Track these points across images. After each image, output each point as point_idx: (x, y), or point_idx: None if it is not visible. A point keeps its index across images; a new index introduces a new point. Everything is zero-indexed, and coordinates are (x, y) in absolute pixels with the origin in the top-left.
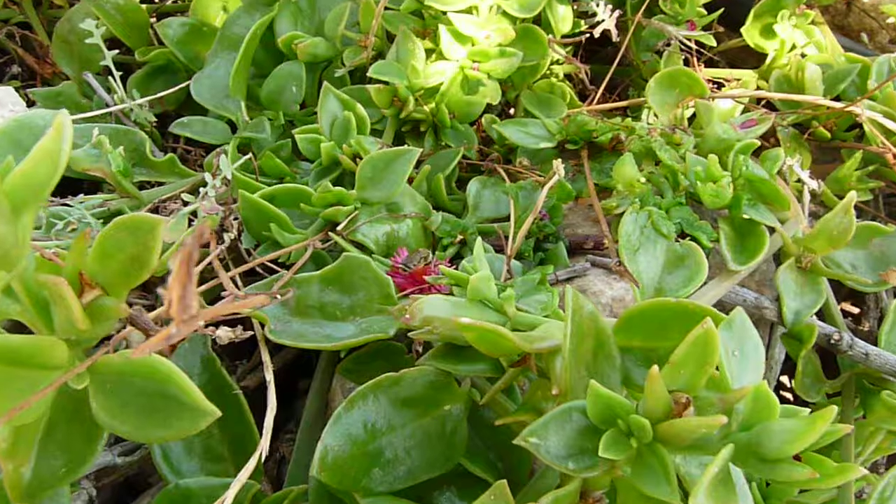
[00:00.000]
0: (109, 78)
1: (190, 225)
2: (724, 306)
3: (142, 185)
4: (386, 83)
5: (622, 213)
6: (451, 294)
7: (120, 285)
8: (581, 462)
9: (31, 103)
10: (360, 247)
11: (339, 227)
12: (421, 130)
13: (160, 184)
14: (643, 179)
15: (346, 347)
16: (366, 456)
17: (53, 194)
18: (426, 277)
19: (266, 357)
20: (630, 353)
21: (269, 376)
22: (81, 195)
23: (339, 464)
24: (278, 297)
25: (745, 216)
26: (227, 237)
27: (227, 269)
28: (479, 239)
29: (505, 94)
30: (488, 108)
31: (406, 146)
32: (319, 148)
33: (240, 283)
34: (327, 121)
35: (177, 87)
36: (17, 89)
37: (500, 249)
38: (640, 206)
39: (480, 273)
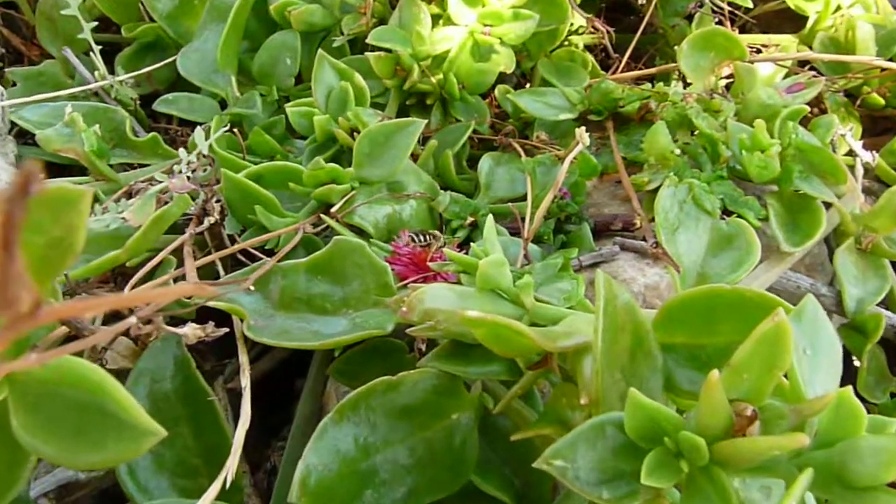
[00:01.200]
0: (92, 54)
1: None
2: (775, 294)
3: (123, 168)
4: (388, 51)
5: (654, 190)
6: (459, 283)
7: (40, 275)
8: (618, 489)
9: (11, 84)
10: (359, 231)
11: (333, 209)
12: (427, 104)
13: (144, 166)
14: (678, 151)
15: (336, 346)
16: (357, 476)
17: None
18: (430, 264)
19: (244, 358)
20: (672, 352)
21: (245, 381)
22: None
23: (324, 486)
24: (251, 287)
25: (797, 190)
26: (207, 221)
27: (212, 264)
28: (490, 217)
29: (520, 65)
30: (502, 79)
31: (409, 118)
32: (313, 122)
33: (221, 272)
34: (322, 92)
35: (162, 63)
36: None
37: (515, 232)
38: (678, 180)
39: (492, 257)
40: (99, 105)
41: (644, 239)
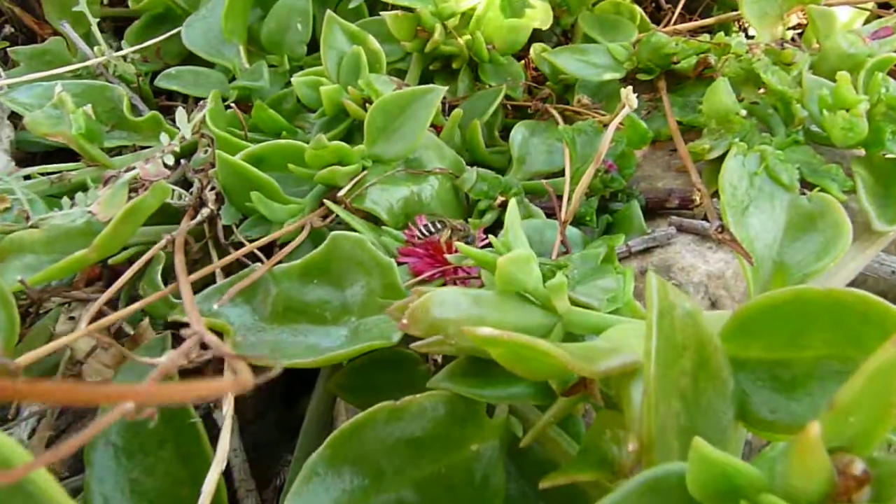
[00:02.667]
0: (93, 29)
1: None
2: (865, 280)
3: (121, 151)
4: (408, 9)
5: (717, 159)
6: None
7: None
8: None
9: (14, 64)
10: (372, 218)
11: (341, 194)
12: (453, 68)
13: (144, 148)
14: (743, 112)
15: (332, 363)
16: None
17: (34, 163)
18: (448, 256)
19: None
20: (746, 369)
21: (227, 408)
22: (41, 166)
23: None
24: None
25: (889, 155)
26: (204, 211)
27: (207, 253)
28: (513, 202)
29: (559, 20)
30: (538, 37)
31: (427, 85)
32: (321, 94)
33: (218, 272)
34: (333, 60)
35: (167, 35)
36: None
37: (553, 213)
38: (746, 147)
39: (515, 253)
40: (94, 83)
41: (705, 218)
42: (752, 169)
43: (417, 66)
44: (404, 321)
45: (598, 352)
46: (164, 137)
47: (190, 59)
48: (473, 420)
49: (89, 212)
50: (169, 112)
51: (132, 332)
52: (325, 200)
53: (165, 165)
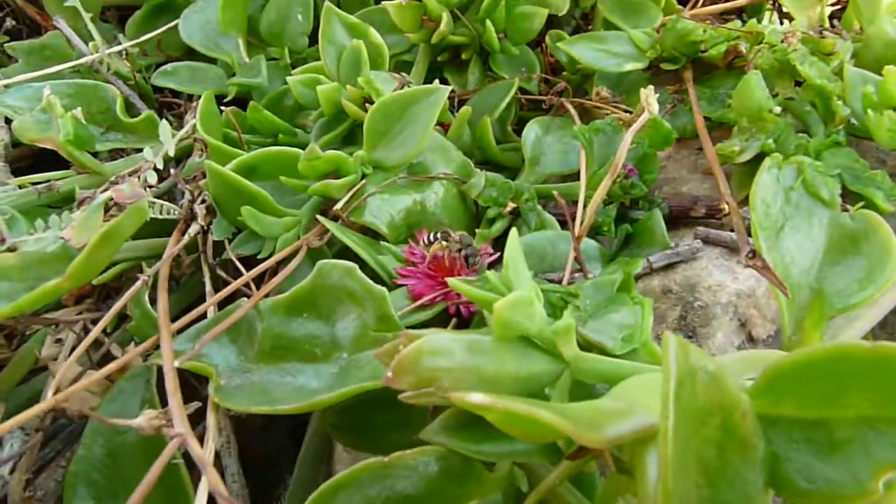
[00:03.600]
0: (88, 23)
1: (107, 213)
2: None
3: (117, 155)
4: None
5: (748, 163)
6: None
7: None
8: None
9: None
10: (373, 234)
11: (337, 207)
12: (462, 59)
13: (141, 150)
14: (777, 109)
15: (320, 407)
16: None
17: (32, 164)
18: (450, 280)
19: (212, 426)
20: (778, 428)
21: (207, 451)
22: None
23: None
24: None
25: None
26: (194, 227)
27: (200, 267)
28: (513, 234)
29: (578, 3)
30: (555, 23)
31: (430, 85)
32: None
33: (207, 290)
34: (332, 55)
35: (167, 27)
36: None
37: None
38: (782, 156)
39: (514, 296)
40: (87, 83)
41: (733, 230)
42: (788, 184)
43: (424, 58)
44: (389, 374)
45: (607, 414)
46: (147, 152)
47: (192, 52)
48: (471, 476)
49: (61, 237)
50: (171, 109)
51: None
52: (318, 217)
53: (146, 185)
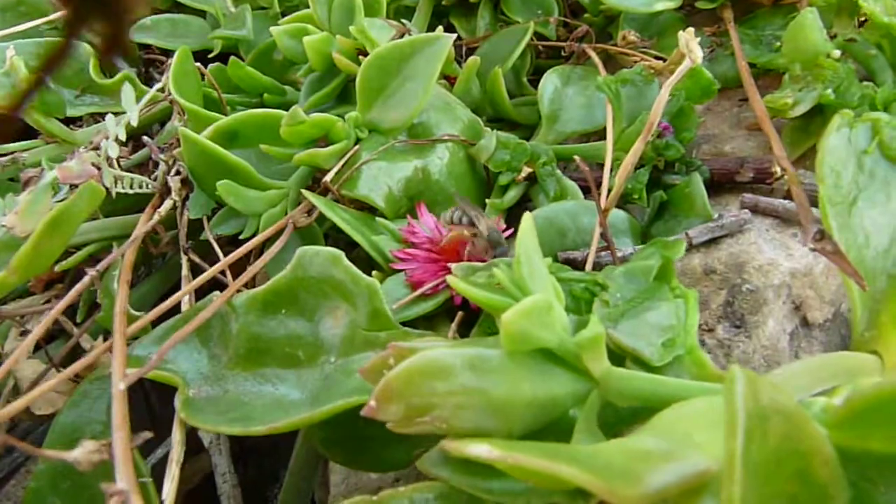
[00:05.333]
0: None
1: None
2: None
3: (94, 119)
4: None
5: (804, 116)
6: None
7: None
8: None
9: None
10: (371, 208)
11: (327, 178)
12: (471, 2)
13: (119, 114)
14: (837, 53)
15: (298, 427)
16: None
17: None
18: (450, 279)
19: (176, 450)
20: (862, 464)
21: (169, 486)
22: None
23: None
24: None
25: None
26: (168, 203)
27: (178, 245)
28: (528, 218)
29: None
30: None
31: (431, 33)
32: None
33: (184, 276)
34: (322, 1)
35: None
36: None
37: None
38: (852, 115)
39: (528, 302)
40: (57, 41)
41: (787, 196)
42: (862, 146)
43: (428, 1)
44: (372, 403)
45: (647, 458)
46: (109, 121)
47: (179, 3)
48: None
49: (2, 225)
50: (158, 66)
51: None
52: (303, 192)
53: (108, 159)
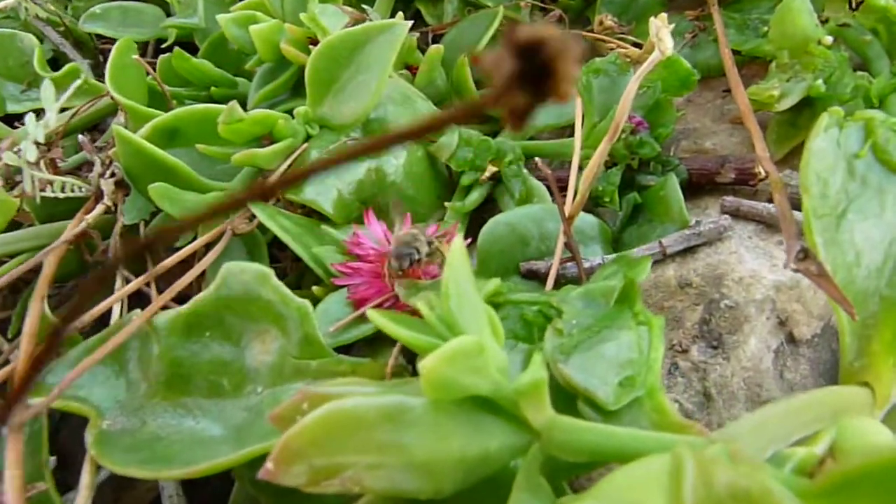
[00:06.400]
0: None
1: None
2: None
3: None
4: None
5: (791, 110)
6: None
7: None
8: None
9: None
10: (319, 214)
11: (271, 179)
12: None
13: (65, 110)
14: (828, 39)
15: (215, 471)
16: None
17: None
18: (370, 312)
19: (86, 487)
20: None
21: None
22: None
23: None
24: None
25: None
26: (100, 207)
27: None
28: (458, 243)
29: None
30: None
31: (386, 20)
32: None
33: (116, 289)
34: None
35: None
36: None
37: (561, 188)
38: (842, 114)
39: (454, 345)
40: (3, 32)
41: (773, 199)
42: (853, 149)
43: None
44: (270, 466)
45: None
46: (29, 121)
47: None
48: None
49: None
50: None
51: None
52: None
53: (29, 162)
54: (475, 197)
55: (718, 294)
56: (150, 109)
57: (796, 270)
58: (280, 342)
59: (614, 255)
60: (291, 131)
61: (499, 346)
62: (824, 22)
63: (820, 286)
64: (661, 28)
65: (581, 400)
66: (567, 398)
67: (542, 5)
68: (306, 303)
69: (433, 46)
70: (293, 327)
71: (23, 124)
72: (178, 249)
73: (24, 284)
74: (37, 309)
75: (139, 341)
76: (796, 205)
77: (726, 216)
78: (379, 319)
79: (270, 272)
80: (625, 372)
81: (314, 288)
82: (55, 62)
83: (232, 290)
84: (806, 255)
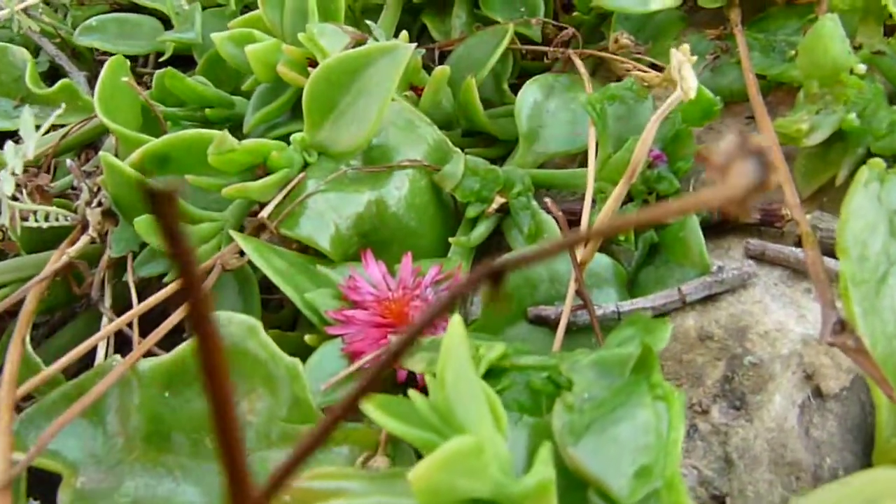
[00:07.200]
0: None
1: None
2: None
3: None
4: None
5: (822, 145)
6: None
7: None
8: None
9: None
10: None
11: (263, 213)
12: (444, 0)
13: (60, 126)
14: (862, 68)
15: None
16: None
17: None
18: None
19: None
20: None
21: None
22: None
23: None
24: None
25: None
26: (85, 238)
27: (102, 297)
28: (455, 322)
29: None
30: None
31: (388, 41)
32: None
33: (102, 326)
34: (273, 2)
35: None
36: None
37: (576, 216)
38: (884, 165)
39: (450, 448)
40: None
41: (800, 243)
42: (893, 207)
43: (396, 1)
44: None
45: None
46: (8, 149)
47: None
48: None
49: None
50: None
51: None
52: (231, 234)
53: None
54: (481, 231)
55: (742, 349)
56: (141, 135)
57: (832, 344)
58: (268, 402)
59: (630, 305)
60: (287, 161)
61: (501, 437)
62: (857, 48)
63: (857, 363)
64: (683, 64)
65: (592, 490)
66: (577, 487)
67: (555, 23)
68: (296, 361)
69: (439, 68)
70: (282, 387)
71: (15, 141)
72: (164, 285)
73: (9, 316)
74: (17, 351)
75: (119, 389)
76: (827, 250)
77: (750, 262)
78: (370, 412)
79: (259, 326)
80: (641, 459)
81: (307, 337)
82: (55, 72)
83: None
84: (843, 327)
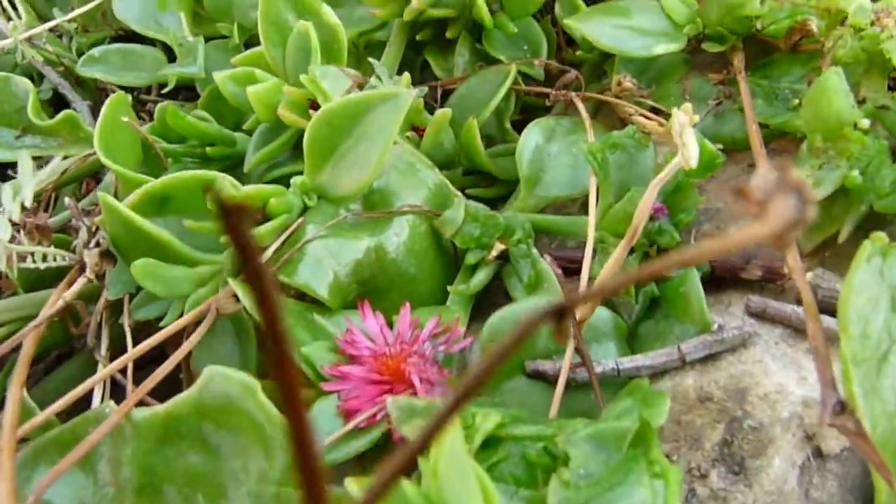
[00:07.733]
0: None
1: None
2: None
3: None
4: None
5: (825, 199)
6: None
7: None
8: None
9: None
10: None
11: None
12: (447, 38)
13: (65, 158)
14: (866, 122)
15: None
16: None
17: None
18: (388, 405)
19: None
20: None
21: None
22: None
23: None
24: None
25: None
26: (82, 280)
27: (99, 340)
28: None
29: None
30: None
31: (389, 88)
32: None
33: (98, 370)
34: (275, 41)
35: (94, 2)
36: None
37: (576, 265)
38: (886, 238)
39: None
40: None
41: (800, 302)
42: (895, 282)
43: (400, 36)
44: None
45: None
46: (4, 193)
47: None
48: None
49: None
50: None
51: None
52: (229, 282)
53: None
54: (481, 278)
55: (741, 412)
56: (140, 176)
57: (832, 425)
58: (262, 465)
59: (630, 362)
60: (286, 207)
61: None
62: (861, 102)
63: (857, 445)
64: (685, 128)
65: None
66: None
67: (558, 65)
68: (278, 418)
69: (440, 111)
70: (277, 450)
71: (16, 174)
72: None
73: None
74: (15, 396)
75: (111, 438)
76: (828, 308)
77: (751, 321)
78: (359, 495)
79: (257, 386)
80: None
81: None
82: (58, 99)
83: (214, 396)
84: (843, 408)
